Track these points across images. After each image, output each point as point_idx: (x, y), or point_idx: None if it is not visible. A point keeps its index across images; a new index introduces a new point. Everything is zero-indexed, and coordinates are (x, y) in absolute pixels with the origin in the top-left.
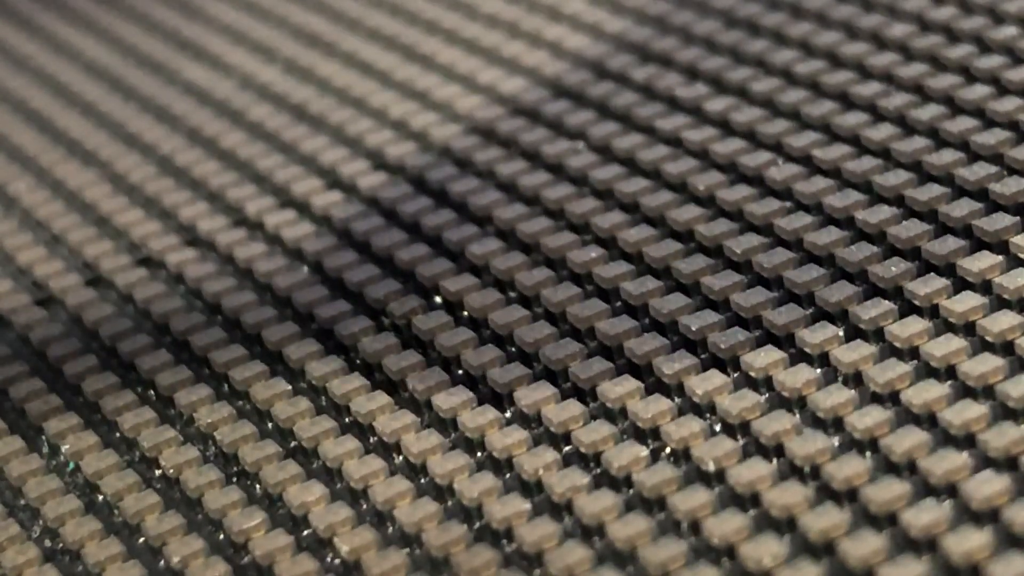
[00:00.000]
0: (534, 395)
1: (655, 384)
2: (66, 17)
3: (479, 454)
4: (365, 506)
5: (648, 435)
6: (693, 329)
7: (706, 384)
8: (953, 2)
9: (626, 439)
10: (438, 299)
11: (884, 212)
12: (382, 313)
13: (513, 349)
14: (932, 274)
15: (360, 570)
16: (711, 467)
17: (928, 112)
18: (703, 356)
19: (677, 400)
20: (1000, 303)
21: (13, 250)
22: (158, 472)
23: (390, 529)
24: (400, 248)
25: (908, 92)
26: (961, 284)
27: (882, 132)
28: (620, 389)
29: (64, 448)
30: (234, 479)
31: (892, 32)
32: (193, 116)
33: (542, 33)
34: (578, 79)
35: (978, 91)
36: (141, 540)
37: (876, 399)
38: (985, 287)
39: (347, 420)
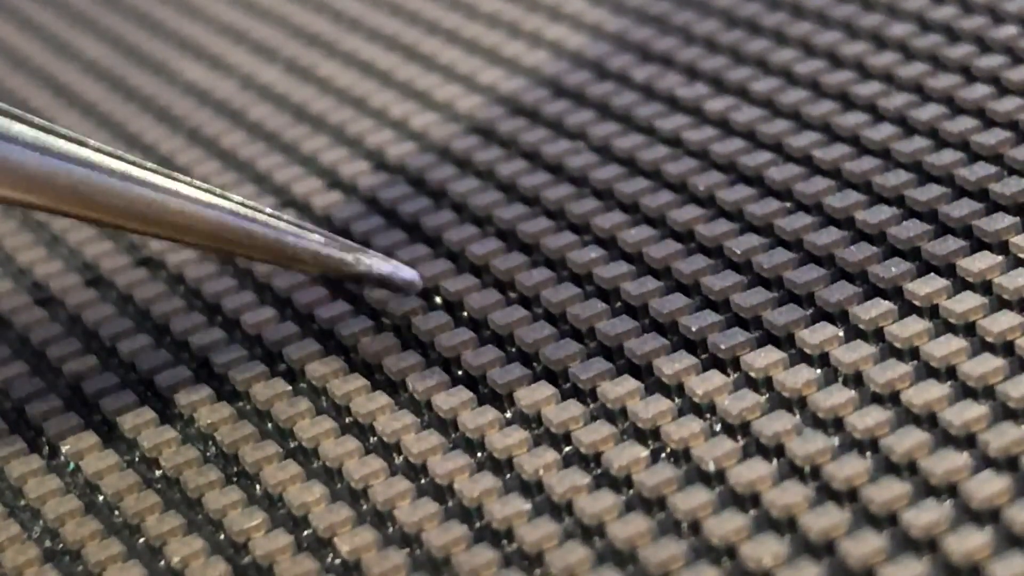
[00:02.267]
0: (534, 395)
1: (655, 384)
2: (66, 17)
3: (479, 454)
4: (365, 506)
5: (648, 435)
6: (693, 329)
7: (706, 384)
8: (953, 2)
9: (626, 439)
10: (438, 299)
11: (884, 212)
12: (382, 313)
13: (513, 349)
14: (932, 274)
15: (360, 570)
16: (711, 467)
17: (928, 112)
18: (703, 356)
19: (677, 400)
20: (1000, 303)
21: (13, 250)
22: (158, 472)
23: (390, 529)
24: (400, 248)
25: (908, 92)
26: (961, 284)
27: (882, 132)
28: (620, 389)
29: (64, 448)
30: (234, 479)
31: (892, 32)
32: (193, 116)
33: (542, 33)
34: (578, 79)
35: (978, 91)
36: (141, 540)
37: (876, 399)
38: (985, 287)
39: (347, 420)
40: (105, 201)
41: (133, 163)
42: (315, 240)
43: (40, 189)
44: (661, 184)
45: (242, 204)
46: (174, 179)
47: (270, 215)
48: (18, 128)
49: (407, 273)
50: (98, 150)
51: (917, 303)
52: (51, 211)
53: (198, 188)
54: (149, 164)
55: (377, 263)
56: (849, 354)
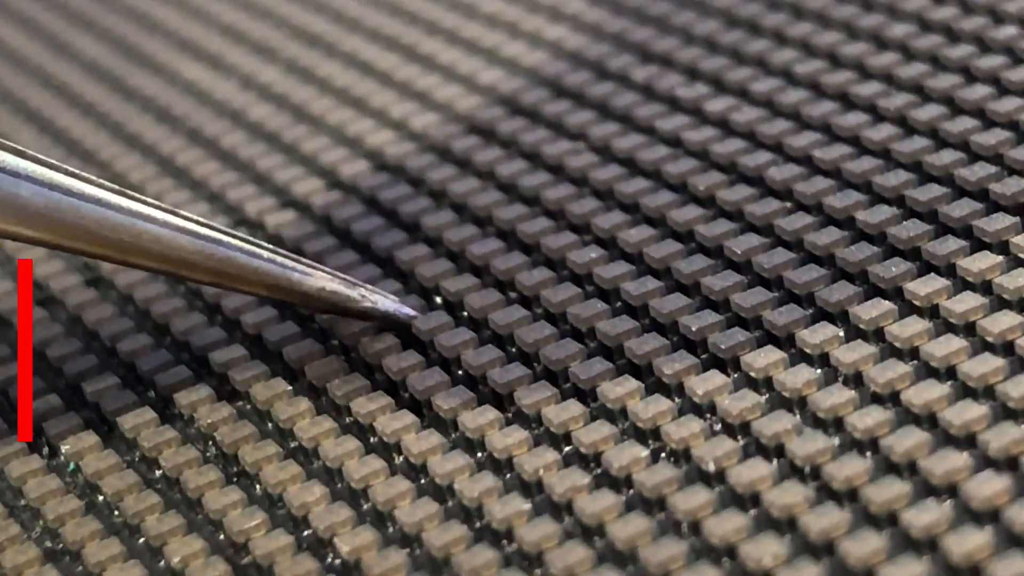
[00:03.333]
0: (534, 395)
1: (655, 384)
2: (66, 17)
3: (479, 454)
4: (365, 506)
5: (648, 435)
6: (693, 329)
7: (706, 384)
8: (953, 2)
9: (626, 439)
10: (438, 299)
11: (884, 212)
12: None
13: (513, 349)
14: (932, 274)
15: (360, 570)
16: (711, 467)
17: (928, 112)
18: (703, 356)
19: (677, 400)
20: (1000, 303)
21: (13, 250)
22: (158, 472)
23: (390, 529)
24: (400, 248)
25: (908, 92)
26: (961, 284)
27: (882, 132)
28: (620, 389)
29: (64, 448)
30: (234, 479)
31: (892, 32)
32: (193, 116)
33: (542, 33)
34: (578, 79)
35: (978, 91)
36: (141, 540)
37: (876, 399)
38: (985, 287)
39: (347, 420)
40: (111, 238)
41: (139, 200)
42: (321, 277)
43: (48, 226)
44: (661, 184)
45: (247, 241)
46: (181, 216)
47: (275, 252)
48: (26, 165)
49: (409, 311)
50: (103, 187)
51: (917, 303)
52: (58, 248)
53: (205, 225)
54: (155, 201)
55: (381, 300)
56: (849, 354)
